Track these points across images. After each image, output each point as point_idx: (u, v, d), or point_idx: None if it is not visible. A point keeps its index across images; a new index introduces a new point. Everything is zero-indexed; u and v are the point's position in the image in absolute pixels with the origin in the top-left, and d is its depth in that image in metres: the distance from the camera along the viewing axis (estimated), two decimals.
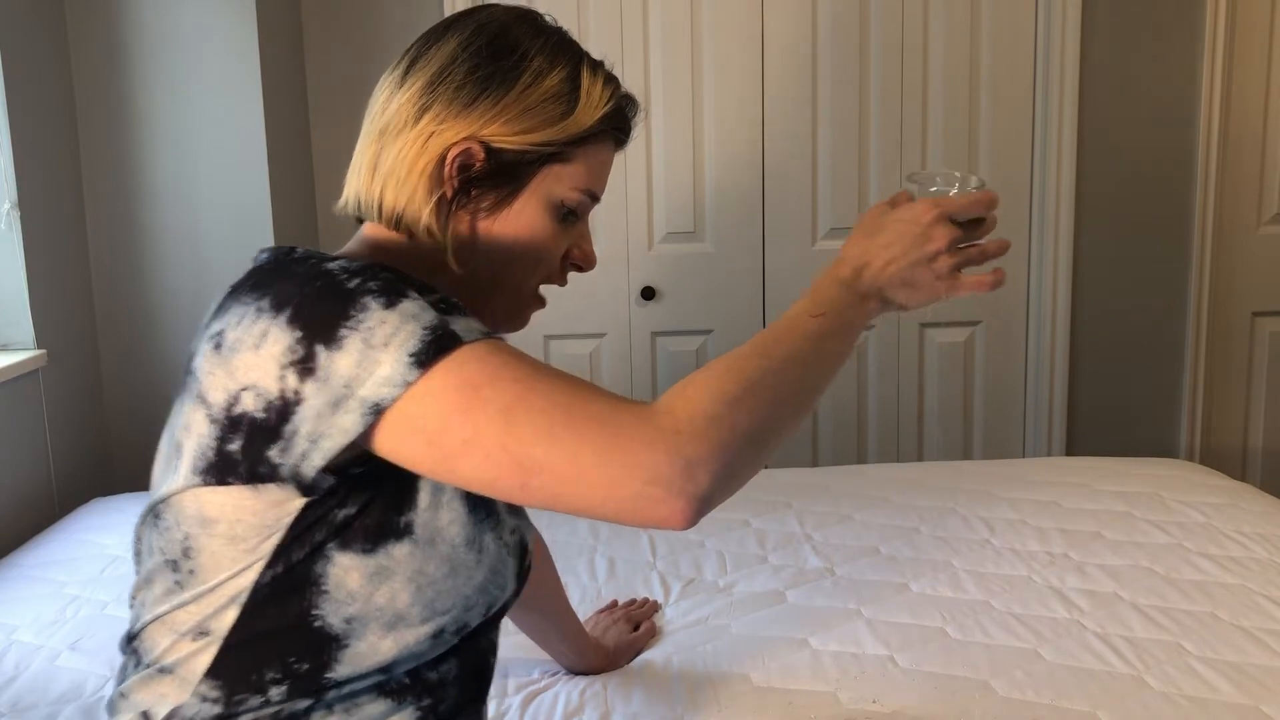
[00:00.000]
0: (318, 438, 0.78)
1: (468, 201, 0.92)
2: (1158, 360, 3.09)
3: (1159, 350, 3.09)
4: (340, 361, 0.76)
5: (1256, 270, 3.06)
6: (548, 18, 0.97)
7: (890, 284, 0.93)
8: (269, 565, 0.82)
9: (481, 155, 0.90)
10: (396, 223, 0.92)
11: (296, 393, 0.77)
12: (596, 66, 0.96)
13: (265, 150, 2.55)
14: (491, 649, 1.00)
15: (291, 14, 2.80)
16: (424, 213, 0.91)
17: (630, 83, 2.94)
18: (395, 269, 0.87)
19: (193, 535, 0.83)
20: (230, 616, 0.83)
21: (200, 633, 0.84)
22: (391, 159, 0.91)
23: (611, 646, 1.47)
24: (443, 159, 0.90)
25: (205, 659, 0.84)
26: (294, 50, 2.81)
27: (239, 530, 0.82)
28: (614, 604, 1.64)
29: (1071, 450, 3.10)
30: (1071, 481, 2.20)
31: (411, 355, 0.76)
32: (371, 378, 0.76)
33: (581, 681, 1.43)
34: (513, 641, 1.47)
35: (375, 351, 0.76)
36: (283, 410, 0.78)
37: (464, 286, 0.95)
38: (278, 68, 2.65)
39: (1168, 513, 1.99)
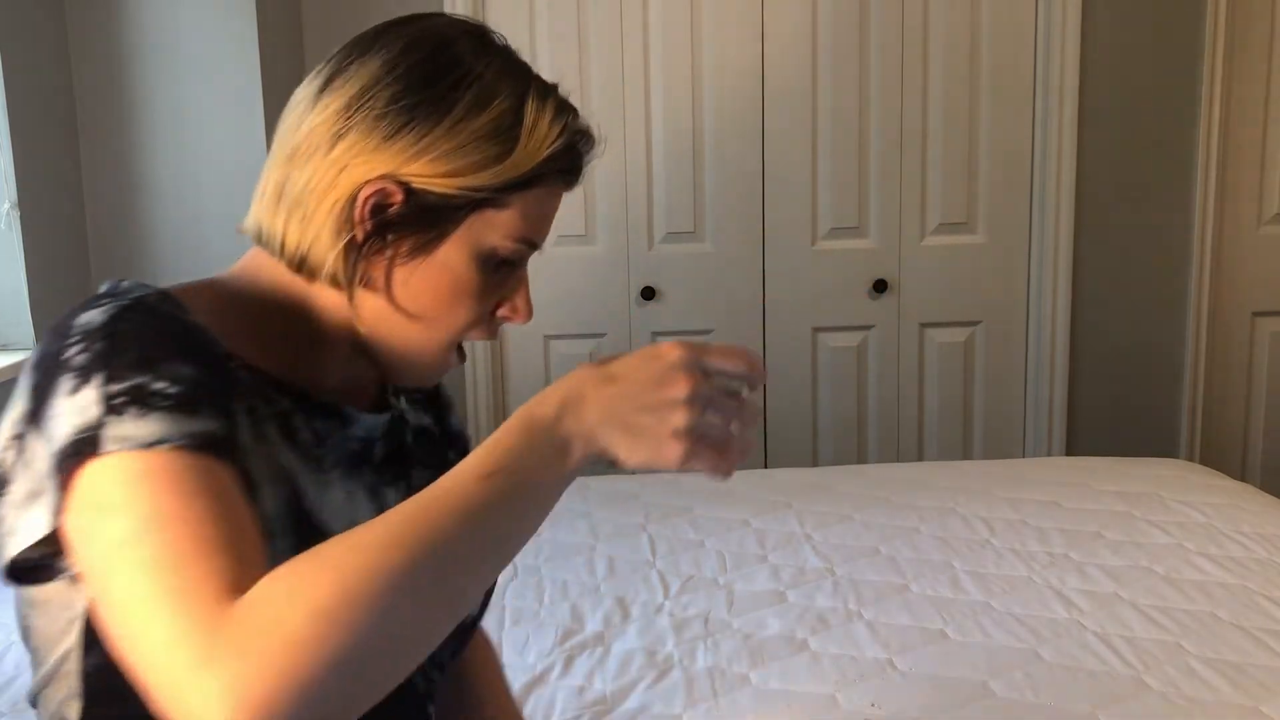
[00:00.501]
0: (14, 531, 0.69)
1: (382, 246, 0.77)
2: (1158, 360, 3.09)
3: (1159, 350, 3.08)
4: (38, 449, 0.67)
5: (1256, 270, 3.06)
6: (495, 35, 0.82)
7: (605, 424, 0.67)
8: (86, 651, 0.72)
9: (399, 196, 0.76)
10: (299, 264, 0.79)
11: (4, 476, 0.70)
12: (547, 94, 0.80)
13: (265, 150, 2.55)
14: (427, 694, 0.89)
15: (291, 14, 2.80)
16: (329, 256, 0.78)
17: (630, 82, 2.94)
18: (214, 314, 0.76)
19: (23, 611, 0.76)
20: (75, 708, 0.74)
21: (61, 718, 0.75)
22: (299, 189, 0.78)
23: None
24: (354, 197, 0.76)
25: None
26: (294, 50, 2.81)
27: (51, 608, 0.73)
28: None
29: (1071, 450, 3.10)
30: (1071, 481, 2.20)
31: (54, 456, 0.66)
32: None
33: (579, 681, 1.43)
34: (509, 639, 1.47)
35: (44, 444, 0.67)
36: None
37: (360, 340, 0.83)
38: (278, 68, 2.65)
39: (1168, 513, 1.99)
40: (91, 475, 0.64)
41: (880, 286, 3.05)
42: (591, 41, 2.94)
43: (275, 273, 0.81)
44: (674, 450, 0.66)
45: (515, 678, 1.45)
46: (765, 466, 3.07)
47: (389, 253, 0.78)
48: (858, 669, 1.42)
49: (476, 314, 0.82)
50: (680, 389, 0.67)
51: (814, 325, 3.08)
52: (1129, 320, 3.07)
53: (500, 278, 0.82)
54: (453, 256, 0.79)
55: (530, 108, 0.79)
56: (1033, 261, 3.06)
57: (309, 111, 0.80)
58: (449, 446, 0.97)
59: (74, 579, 0.71)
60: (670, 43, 2.95)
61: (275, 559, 0.63)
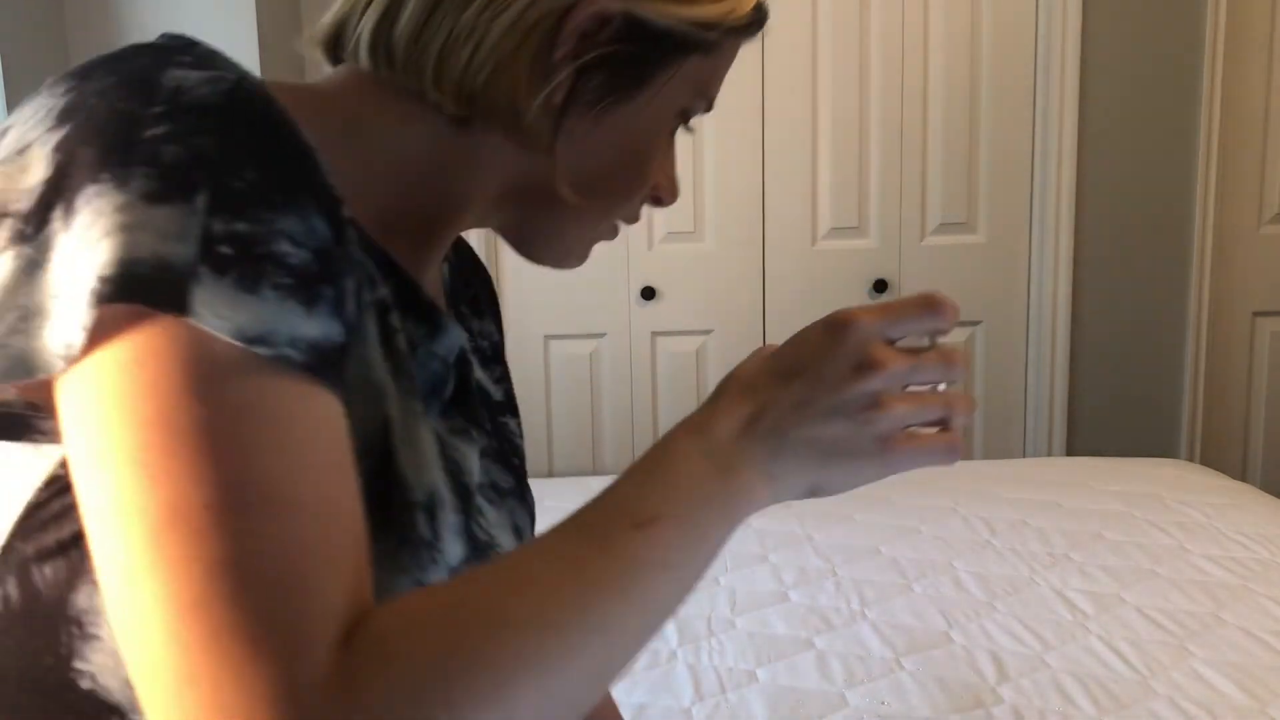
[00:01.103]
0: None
1: (568, 86, 0.60)
2: (1158, 360, 3.09)
3: (1159, 350, 3.08)
4: (67, 245, 0.44)
5: (1256, 270, 3.06)
6: None
7: (794, 449, 0.53)
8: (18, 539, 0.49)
9: (616, 22, 0.59)
10: (466, 101, 0.59)
11: None
12: None
13: None
14: None
15: (290, 14, 2.80)
16: (522, 95, 0.59)
17: None
18: (325, 141, 0.52)
19: None
20: None
21: None
22: (470, 7, 0.58)
23: None
24: (562, 18, 0.58)
25: None
26: (294, 50, 2.80)
27: None
28: None
29: (1071, 450, 3.10)
30: (1071, 481, 2.20)
31: (94, 281, 0.43)
32: (69, 293, 0.44)
33: None
34: None
35: (85, 251, 0.44)
36: None
37: (505, 208, 0.65)
38: (277, 68, 2.64)
39: (1168, 513, 1.99)
40: (147, 341, 0.43)
41: (880, 286, 3.05)
42: None
43: (396, 107, 0.61)
44: (885, 457, 0.54)
45: None
46: None
47: (576, 96, 0.60)
48: (865, 668, 1.42)
49: (647, 186, 0.67)
50: (874, 376, 0.53)
51: None
52: (1129, 320, 3.07)
53: (667, 146, 0.67)
54: (651, 109, 0.63)
55: None
56: (1033, 261, 3.06)
57: None
58: (507, 410, 0.77)
59: (48, 451, 0.48)
60: None
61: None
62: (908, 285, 3.06)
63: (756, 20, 0.65)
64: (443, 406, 0.64)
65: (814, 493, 0.55)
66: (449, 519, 0.59)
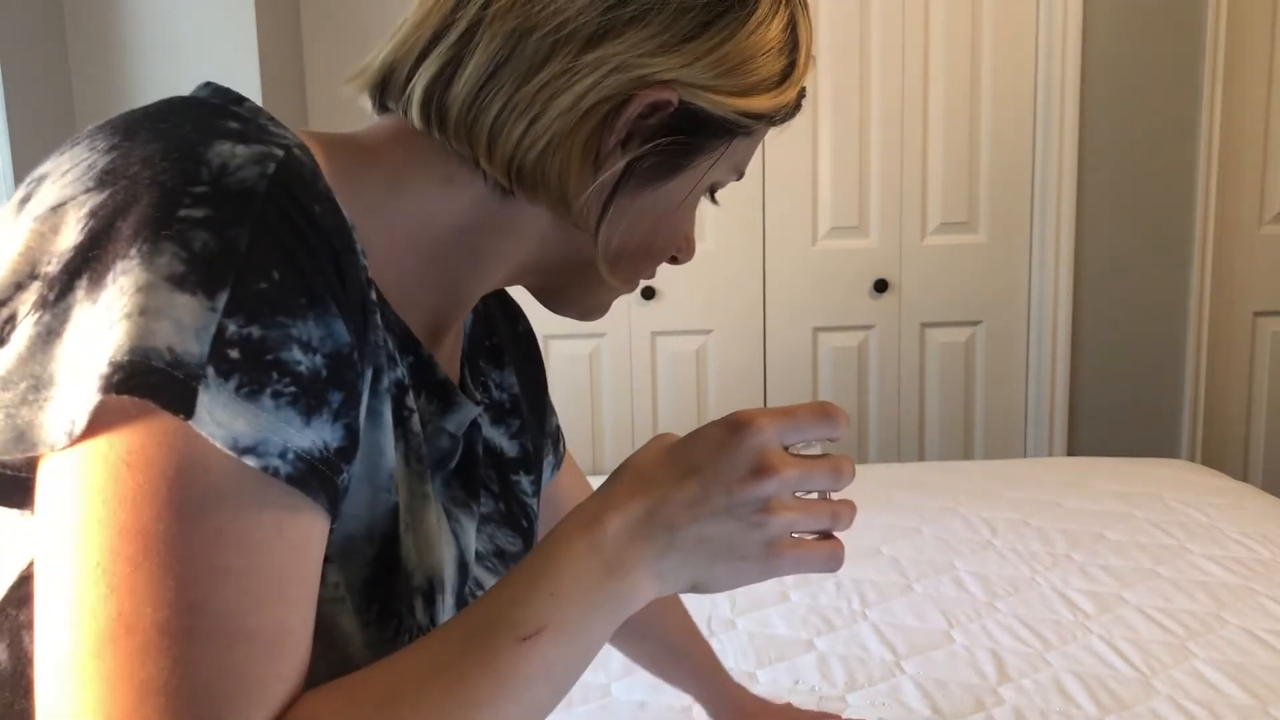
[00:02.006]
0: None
1: (620, 172, 0.61)
2: (1158, 360, 3.09)
3: (1159, 350, 3.08)
4: (86, 318, 0.44)
5: (1257, 270, 3.06)
6: None
7: (681, 547, 0.53)
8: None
9: (672, 108, 0.60)
10: (515, 174, 0.59)
11: (11, 321, 0.46)
12: (803, 13, 0.65)
13: None
14: None
15: (290, 14, 2.80)
16: (572, 176, 0.59)
17: None
18: (356, 204, 0.56)
19: None
20: None
21: None
22: (530, 83, 0.57)
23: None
24: (621, 104, 0.58)
25: None
26: (293, 50, 2.80)
27: None
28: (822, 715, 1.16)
29: (1072, 450, 3.10)
30: (1072, 481, 2.20)
31: (111, 366, 0.43)
32: (81, 372, 0.44)
33: (584, 674, 1.42)
34: None
35: (104, 330, 0.44)
36: None
37: (537, 273, 0.66)
38: (277, 68, 2.64)
39: (1169, 513, 1.99)
40: (143, 444, 0.43)
41: (881, 286, 3.04)
42: None
43: (442, 168, 0.60)
44: (770, 560, 0.54)
45: None
46: None
47: (625, 179, 0.61)
48: (866, 670, 1.42)
49: (672, 251, 0.68)
50: (766, 480, 0.53)
51: (814, 325, 3.08)
52: (1129, 320, 3.07)
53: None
54: (684, 189, 0.64)
55: (803, 20, 0.65)
56: (1033, 261, 3.06)
57: None
58: (521, 467, 0.76)
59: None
60: None
61: (334, 604, 0.52)
62: (908, 284, 3.06)
63: (799, 107, 0.66)
64: (445, 477, 0.64)
65: (695, 589, 0.55)
66: (446, 602, 0.60)
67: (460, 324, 0.69)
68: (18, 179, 2.25)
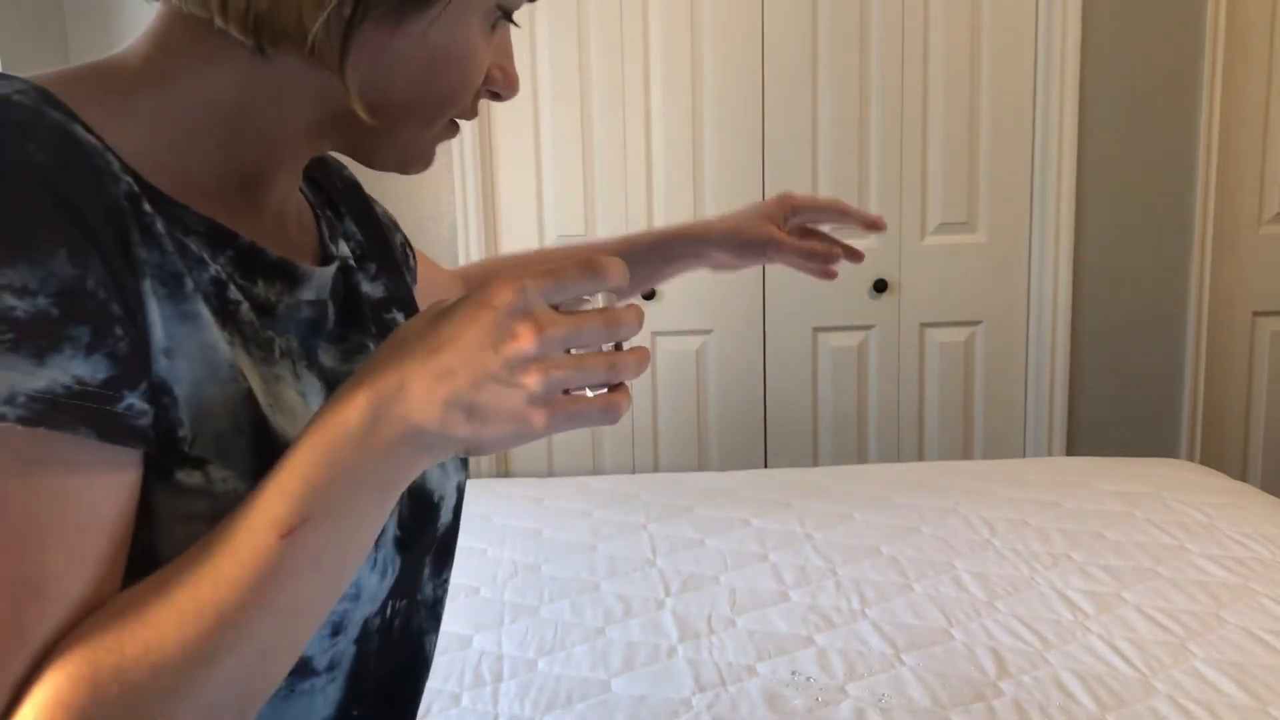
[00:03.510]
0: None
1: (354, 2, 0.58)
2: (1158, 360, 3.09)
3: (1159, 350, 3.08)
4: None
5: (1257, 270, 3.06)
6: None
7: (440, 419, 0.52)
8: None
9: None
10: (253, 29, 0.57)
11: None
12: None
13: None
14: (423, 631, 0.75)
15: None
16: (305, 15, 0.56)
17: (630, 82, 2.94)
18: (115, 118, 0.56)
19: None
20: None
21: None
22: None
23: (754, 238, 1.11)
24: None
25: None
26: None
27: None
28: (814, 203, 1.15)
29: (1072, 450, 3.10)
30: (1072, 481, 2.20)
31: None
32: None
33: (582, 668, 1.42)
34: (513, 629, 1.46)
35: None
36: None
37: (330, 133, 0.64)
38: None
39: (1169, 513, 1.99)
40: None
41: (880, 286, 3.04)
42: (592, 42, 2.94)
43: (200, 48, 0.59)
44: (537, 420, 0.52)
45: (515, 668, 1.44)
46: (765, 466, 3.06)
47: (371, 9, 0.58)
48: (865, 664, 1.42)
49: (472, 86, 0.64)
50: (524, 342, 0.52)
51: (814, 325, 3.08)
52: (1129, 321, 3.07)
53: (494, 38, 0.65)
54: (448, 12, 0.60)
55: None
56: (1033, 261, 3.06)
57: None
58: (392, 304, 0.76)
59: None
60: (670, 43, 2.94)
61: (230, 494, 0.53)
62: (908, 285, 3.06)
63: None
64: (331, 334, 0.65)
65: (469, 452, 0.54)
66: None
67: (291, 198, 0.68)
68: None
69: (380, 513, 0.54)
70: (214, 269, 0.57)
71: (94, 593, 0.50)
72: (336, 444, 0.52)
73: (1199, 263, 3.01)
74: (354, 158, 0.68)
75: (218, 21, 0.57)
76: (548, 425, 0.53)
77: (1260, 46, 2.97)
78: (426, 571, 0.73)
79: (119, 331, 0.49)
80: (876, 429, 3.14)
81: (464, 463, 0.76)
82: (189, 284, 0.54)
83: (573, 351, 0.54)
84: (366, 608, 0.65)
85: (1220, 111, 2.95)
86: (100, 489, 0.49)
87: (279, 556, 0.50)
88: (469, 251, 2.98)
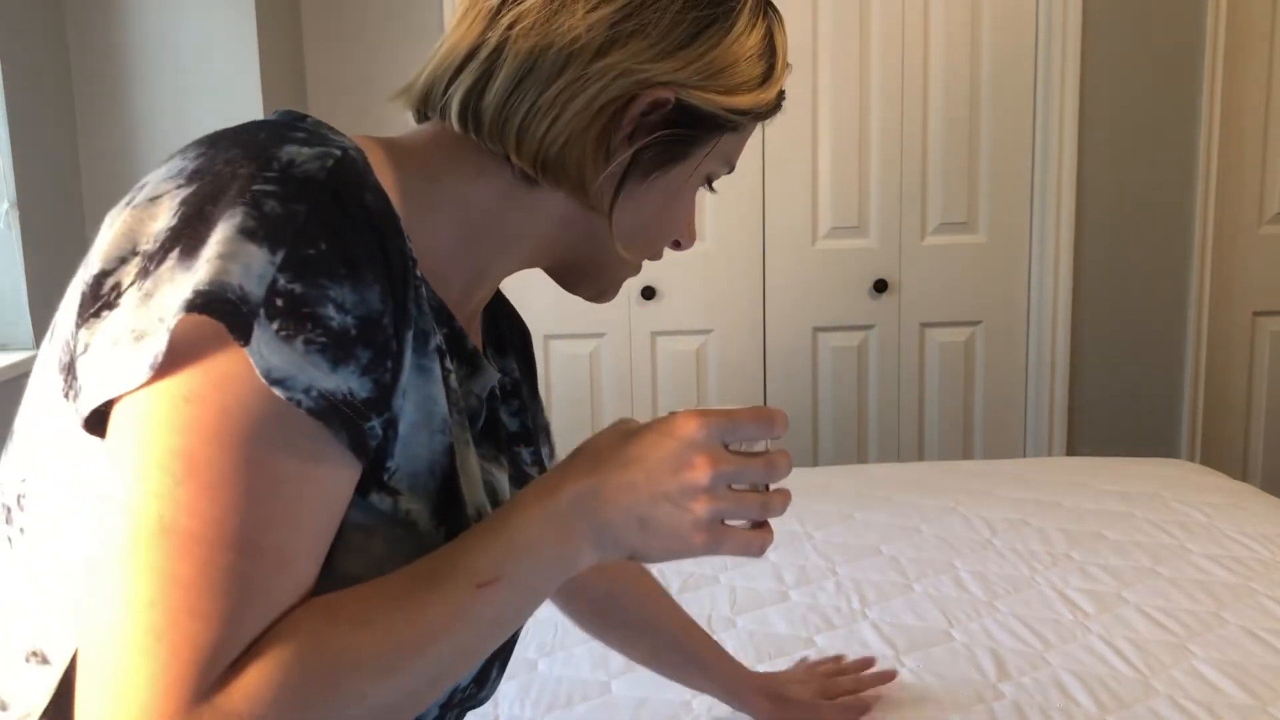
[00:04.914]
0: (107, 371, 0.56)
1: (628, 160, 0.72)
2: (1158, 360, 3.09)
3: (1159, 350, 3.08)
4: (178, 281, 0.55)
5: (1257, 270, 3.06)
6: None
7: (622, 522, 0.62)
8: None
9: (670, 107, 0.70)
10: (541, 167, 0.70)
11: (117, 288, 0.57)
12: (779, 25, 0.78)
13: None
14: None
15: (291, 14, 2.80)
16: (588, 163, 0.70)
17: None
18: (403, 195, 0.68)
19: (30, 476, 0.63)
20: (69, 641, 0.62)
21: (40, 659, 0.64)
22: (549, 91, 0.68)
23: (794, 699, 1.20)
24: (627, 103, 0.69)
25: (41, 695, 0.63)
26: (293, 48, 2.80)
27: (71, 479, 0.61)
28: (836, 660, 1.33)
29: (1072, 450, 3.10)
30: (1072, 481, 2.20)
31: (194, 294, 0.54)
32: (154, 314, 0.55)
33: (582, 668, 1.42)
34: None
35: (189, 275, 0.55)
36: (107, 304, 0.57)
37: (556, 254, 0.77)
38: (276, 66, 2.64)
39: (1169, 513, 1.99)
40: (205, 377, 0.53)
41: (880, 286, 3.05)
42: None
43: (475, 161, 0.71)
44: (698, 541, 0.63)
45: (515, 668, 1.44)
46: None
47: (632, 168, 0.72)
48: None
49: (673, 238, 0.80)
50: (699, 473, 0.62)
51: (814, 325, 3.08)
52: (1129, 320, 3.07)
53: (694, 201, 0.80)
54: (683, 177, 0.75)
55: (779, 31, 0.77)
56: (1033, 261, 3.06)
57: (554, 9, 0.69)
58: (520, 440, 0.86)
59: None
60: None
61: (411, 526, 0.62)
62: (908, 285, 3.06)
63: (778, 105, 0.77)
64: (476, 437, 0.74)
65: (633, 558, 0.65)
66: None
67: (484, 302, 0.79)
68: (18, 179, 2.26)
69: (550, 589, 0.64)
70: (438, 338, 0.66)
71: (313, 580, 0.57)
72: (537, 522, 0.62)
73: (1199, 263, 3.01)
74: (559, 278, 0.80)
75: (512, 156, 0.70)
76: (704, 548, 0.63)
77: (1260, 46, 2.97)
78: (495, 670, 0.80)
79: (389, 365, 0.59)
80: (876, 429, 3.14)
81: None
82: (431, 343, 0.64)
83: (733, 487, 0.64)
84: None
85: (1220, 111, 2.95)
86: (339, 487, 0.58)
87: (471, 602, 0.60)
88: None
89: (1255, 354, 3.12)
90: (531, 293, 3.06)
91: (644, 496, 0.62)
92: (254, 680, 0.53)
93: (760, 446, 0.66)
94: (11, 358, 2.21)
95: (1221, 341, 3.09)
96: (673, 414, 0.64)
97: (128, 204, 0.61)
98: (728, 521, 0.64)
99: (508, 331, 0.89)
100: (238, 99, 2.53)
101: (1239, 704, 1.30)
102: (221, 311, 0.53)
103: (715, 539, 0.63)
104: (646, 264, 2.88)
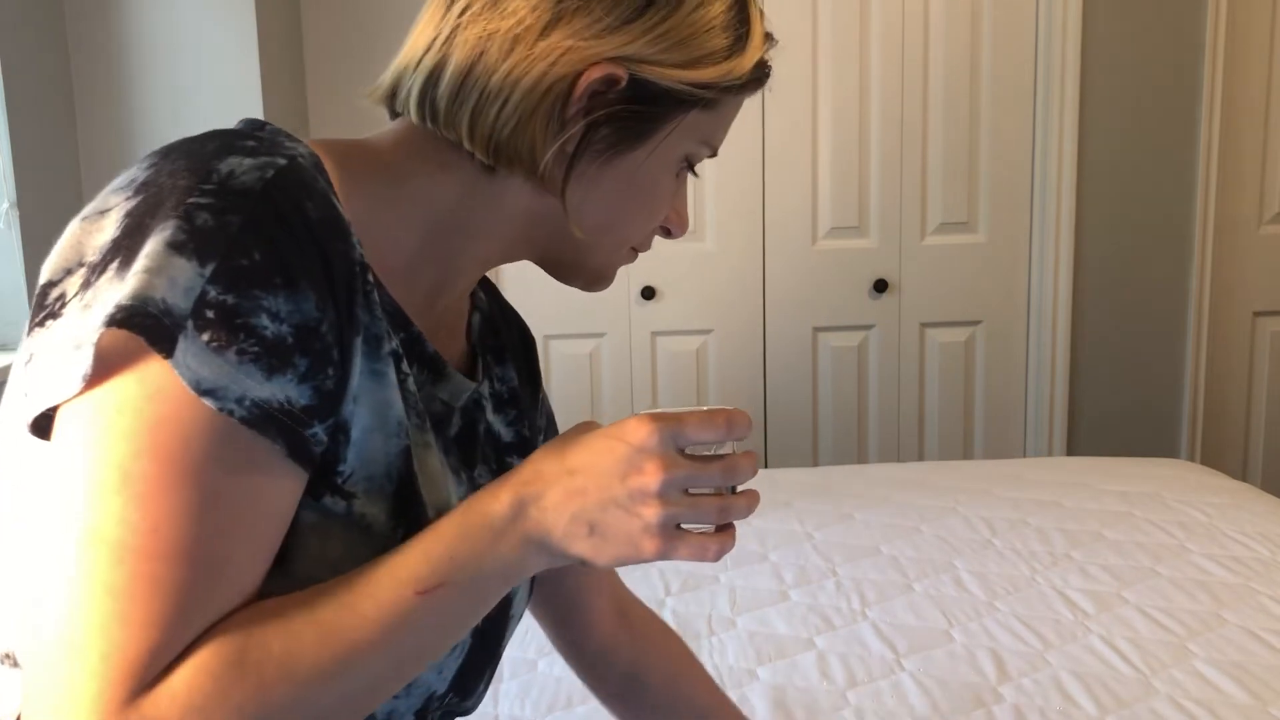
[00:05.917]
0: (47, 379, 0.57)
1: (579, 138, 0.69)
2: (1158, 360, 3.09)
3: (1159, 350, 3.08)
4: (112, 291, 0.55)
5: (1257, 270, 3.06)
6: None
7: (567, 527, 0.61)
8: None
9: (623, 84, 0.68)
10: (493, 153, 0.69)
11: (61, 299, 0.58)
12: None
13: None
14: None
15: (291, 15, 2.80)
16: (540, 145, 0.68)
17: None
18: (363, 198, 0.67)
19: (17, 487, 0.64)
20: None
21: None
22: (496, 74, 0.67)
23: None
24: (575, 80, 0.67)
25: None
26: (293, 45, 2.80)
27: (29, 483, 0.61)
28: None
29: (1072, 450, 3.10)
30: (1072, 481, 2.20)
31: (116, 308, 0.54)
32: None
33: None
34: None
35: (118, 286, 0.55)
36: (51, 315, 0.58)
37: (531, 244, 0.75)
38: (277, 64, 2.64)
39: (1169, 513, 1.99)
40: (135, 389, 0.54)
41: (880, 286, 3.05)
42: None
43: (436, 157, 0.71)
44: (649, 547, 0.60)
45: (516, 669, 1.44)
46: (765, 466, 3.06)
47: (584, 146, 0.70)
48: (866, 668, 1.42)
49: (655, 221, 0.77)
50: (649, 478, 0.60)
51: (814, 325, 3.08)
52: (1129, 320, 3.07)
53: (676, 186, 0.76)
54: (654, 157, 0.72)
55: (752, 7, 0.74)
56: (1033, 261, 3.06)
57: None
58: (516, 450, 0.85)
59: None
60: None
61: (367, 528, 0.62)
62: (908, 285, 3.06)
63: (756, 79, 0.75)
64: (445, 443, 0.74)
65: (583, 564, 0.63)
66: None
67: (461, 302, 0.79)
68: (18, 179, 2.25)
69: (495, 595, 0.63)
70: (394, 343, 0.67)
71: (254, 587, 0.58)
72: (479, 528, 0.61)
73: (1199, 263, 3.01)
74: (546, 269, 0.78)
75: (465, 143, 0.69)
76: (657, 554, 0.61)
77: (1260, 46, 2.97)
78: (482, 680, 0.79)
79: (330, 372, 0.59)
80: (876, 429, 3.14)
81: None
82: (385, 347, 0.64)
83: (690, 491, 0.62)
84: (434, 680, 0.72)
85: (1220, 111, 2.95)
86: (280, 495, 0.58)
87: (412, 609, 0.59)
88: None
89: (1255, 354, 3.12)
90: (532, 293, 3.07)
91: (592, 502, 0.61)
92: (180, 686, 0.53)
93: (728, 448, 0.63)
94: (11, 357, 2.21)
95: (1221, 342, 3.09)
96: (627, 418, 0.62)
97: (81, 216, 0.61)
98: (686, 526, 0.62)
99: (508, 339, 0.88)
100: (238, 99, 2.53)
101: (1239, 704, 1.30)
102: (141, 325, 0.53)
103: (669, 544, 0.61)
104: (647, 264, 2.85)
